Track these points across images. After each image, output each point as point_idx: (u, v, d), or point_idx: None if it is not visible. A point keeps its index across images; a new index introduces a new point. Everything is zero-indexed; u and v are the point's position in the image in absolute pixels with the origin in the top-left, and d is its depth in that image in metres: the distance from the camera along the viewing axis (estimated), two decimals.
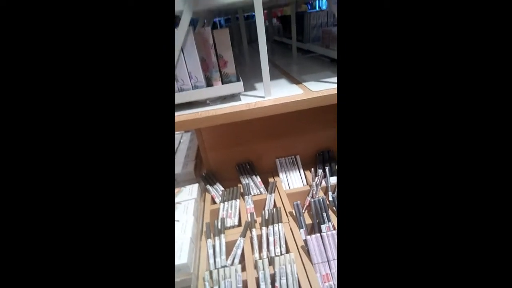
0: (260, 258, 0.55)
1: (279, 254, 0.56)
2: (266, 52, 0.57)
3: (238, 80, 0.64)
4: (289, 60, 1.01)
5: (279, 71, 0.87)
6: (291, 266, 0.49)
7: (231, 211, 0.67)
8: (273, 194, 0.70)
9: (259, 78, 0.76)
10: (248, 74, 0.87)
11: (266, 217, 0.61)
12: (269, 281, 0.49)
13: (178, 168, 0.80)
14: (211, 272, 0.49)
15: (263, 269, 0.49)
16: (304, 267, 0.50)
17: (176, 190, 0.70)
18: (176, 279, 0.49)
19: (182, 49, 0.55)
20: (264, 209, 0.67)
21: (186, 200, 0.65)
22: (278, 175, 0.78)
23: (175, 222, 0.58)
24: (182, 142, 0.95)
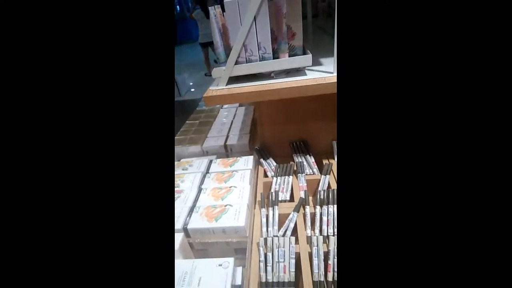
0: (314, 234, 0.55)
1: (332, 234, 0.55)
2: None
3: (304, 53, 0.62)
4: None
5: None
6: None
7: (283, 186, 0.68)
8: (327, 176, 0.68)
9: (324, 54, 0.72)
10: (312, 50, 0.83)
11: (321, 197, 0.60)
12: (322, 258, 0.49)
13: (234, 140, 0.83)
14: (266, 239, 0.51)
15: (317, 246, 0.50)
16: None
17: (232, 159, 0.73)
18: (233, 240, 0.52)
19: (255, 18, 0.55)
20: (317, 189, 0.66)
21: (243, 170, 0.67)
22: (334, 158, 0.75)
23: (233, 188, 0.61)
24: (237, 115, 0.97)
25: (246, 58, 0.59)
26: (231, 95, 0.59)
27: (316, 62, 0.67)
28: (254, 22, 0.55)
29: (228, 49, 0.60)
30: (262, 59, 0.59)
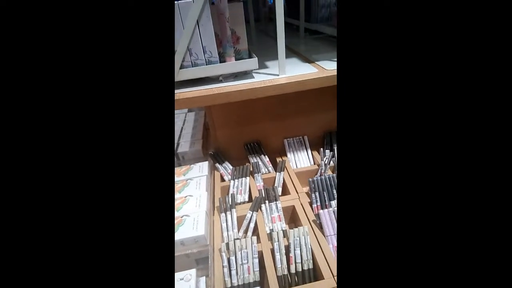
0: (273, 230, 0.56)
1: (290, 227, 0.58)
2: (283, 28, 0.56)
3: (250, 57, 0.63)
4: (297, 40, 0.99)
5: (288, 50, 0.85)
6: (304, 238, 0.52)
7: (241, 188, 0.68)
8: (282, 173, 0.71)
9: (269, 57, 0.76)
10: (257, 53, 0.86)
11: (273, 193, 0.63)
12: (283, 251, 0.51)
13: (185, 147, 0.80)
14: (227, 244, 0.51)
15: (278, 241, 0.51)
16: (317, 239, 0.53)
17: (185, 167, 0.70)
18: (193, 250, 0.50)
19: (197, 22, 0.54)
20: (273, 185, 0.69)
21: (198, 177, 0.65)
22: (286, 155, 0.79)
23: (188, 197, 0.59)
24: (187, 121, 0.94)
25: (191, 62, 0.58)
26: (180, 100, 0.57)
27: (262, 65, 0.70)
28: (197, 26, 0.54)
29: None
30: (209, 63, 0.58)
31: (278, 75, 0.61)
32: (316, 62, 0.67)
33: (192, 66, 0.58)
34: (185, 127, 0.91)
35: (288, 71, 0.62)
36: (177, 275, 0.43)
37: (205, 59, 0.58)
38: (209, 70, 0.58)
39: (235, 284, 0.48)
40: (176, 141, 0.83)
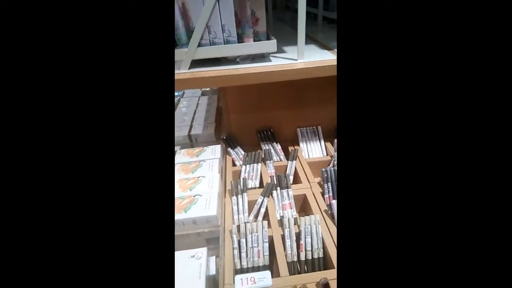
0: (284, 217, 0.56)
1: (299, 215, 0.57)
2: (305, 11, 0.54)
3: (269, 39, 0.61)
4: (315, 28, 0.96)
5: (306, 37, 0.82)
6: (316, 227, 0.51)
7: (252, 174, 0.68)
8: (294, 161, 0.70)
9: (286, 43, 0.73)
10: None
11: (285, 181, 0.62)
12: (294, 238, 0.50)
13: (198, 129, 0.79)
14: (238, 226, 0.50)
15: (289, 227, 0.51)
16: (328, 229, 0.52)
17: (198, 149, 0.70)
18: (205, 230, 0.50)
19: None
20: (285, 173, 0.68)
21: (211, 159, 0.65)
22: (298, 145, 0.78)
23: (201, 178, 0.58)
24: (200, 104, 0.93)
25: (209, 40, 0.56)
26: (195, 79, 0.56)
27: (279, 50, 0.68)
28: (217, 2, 0.52)
29: (189, 31, 0.56)
30: (227, 42, 0.57)
31: (296, 59, 0.60)
32: (335, 50, 0.65)
33: (210, 45, 0.56)
34: (198, 110, 0.90)
35: (306, 57, 0.60)
36: (188, 253, 0.43)
37: (224, 38, 0.56)
38: (227, 50, 0.56)
39: (244, 266, 0.48)
40: (189, 123, 0.82)
